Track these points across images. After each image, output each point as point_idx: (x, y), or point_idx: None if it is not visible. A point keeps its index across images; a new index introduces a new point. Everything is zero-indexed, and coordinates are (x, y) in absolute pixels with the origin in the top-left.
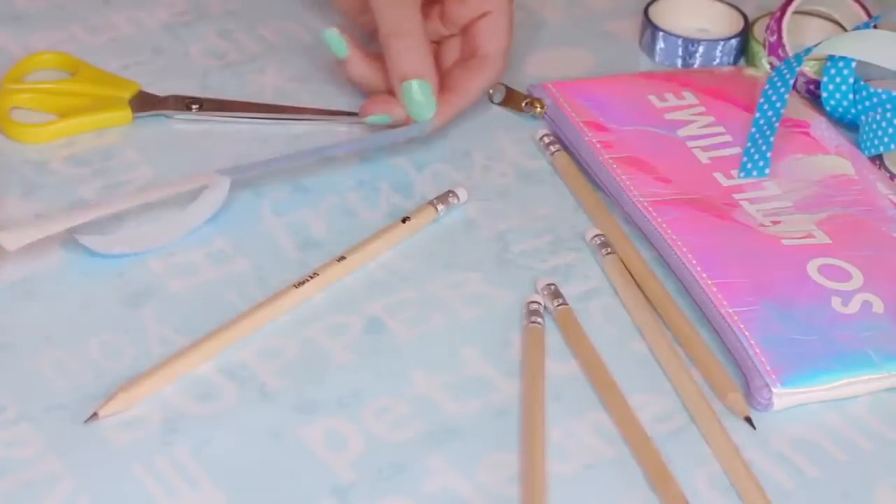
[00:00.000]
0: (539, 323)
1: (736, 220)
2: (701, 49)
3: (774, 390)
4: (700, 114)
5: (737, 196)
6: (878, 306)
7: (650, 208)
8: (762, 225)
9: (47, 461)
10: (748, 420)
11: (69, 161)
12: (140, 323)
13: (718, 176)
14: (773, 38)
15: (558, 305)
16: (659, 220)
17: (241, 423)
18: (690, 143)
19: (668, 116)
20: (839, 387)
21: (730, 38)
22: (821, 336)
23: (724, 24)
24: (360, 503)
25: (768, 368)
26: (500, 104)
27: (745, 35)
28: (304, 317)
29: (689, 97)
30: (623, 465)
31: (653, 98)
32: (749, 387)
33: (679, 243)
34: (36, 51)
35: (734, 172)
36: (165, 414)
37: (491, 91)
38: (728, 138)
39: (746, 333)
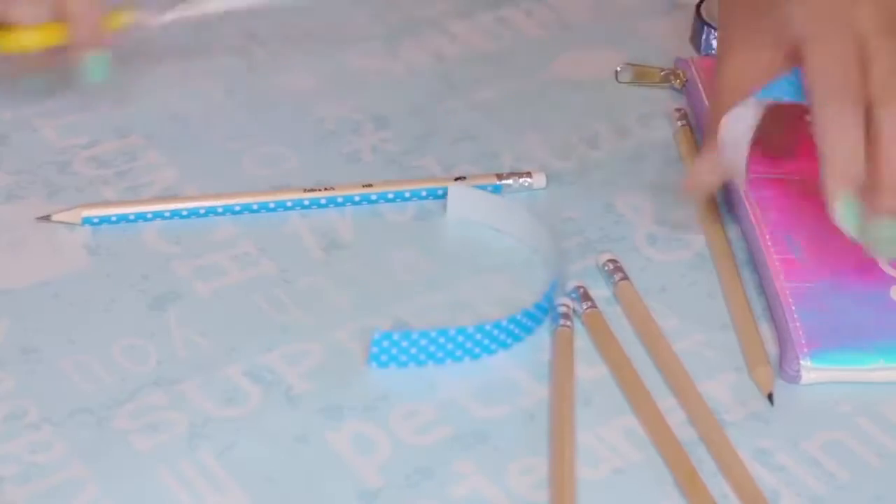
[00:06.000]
0: (568, 326)
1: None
2: None
3: (803, 363)
4: None
5: None
6: None
7: (748, 186)
8: None
9: (71, 466)
10: (769, 397)
11: (91, 162)
12: (165, 326)
13: None
14: None
15: (587, 308)
16: (749, 196)
17: (266, 427)
18: None
19: None
20: (871, 371)
21: None
22: (868, 320)
23: None
24: None
25: (802, 341)
26: (628, 82)
27: None
28: (330, 320)
29: None
30: (653, 470)
31: None
32: (781, 358)
33: (761, 221)
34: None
35: None
36: (191, 418)
37: (618, 69)
38: None
39: (792, 307)
